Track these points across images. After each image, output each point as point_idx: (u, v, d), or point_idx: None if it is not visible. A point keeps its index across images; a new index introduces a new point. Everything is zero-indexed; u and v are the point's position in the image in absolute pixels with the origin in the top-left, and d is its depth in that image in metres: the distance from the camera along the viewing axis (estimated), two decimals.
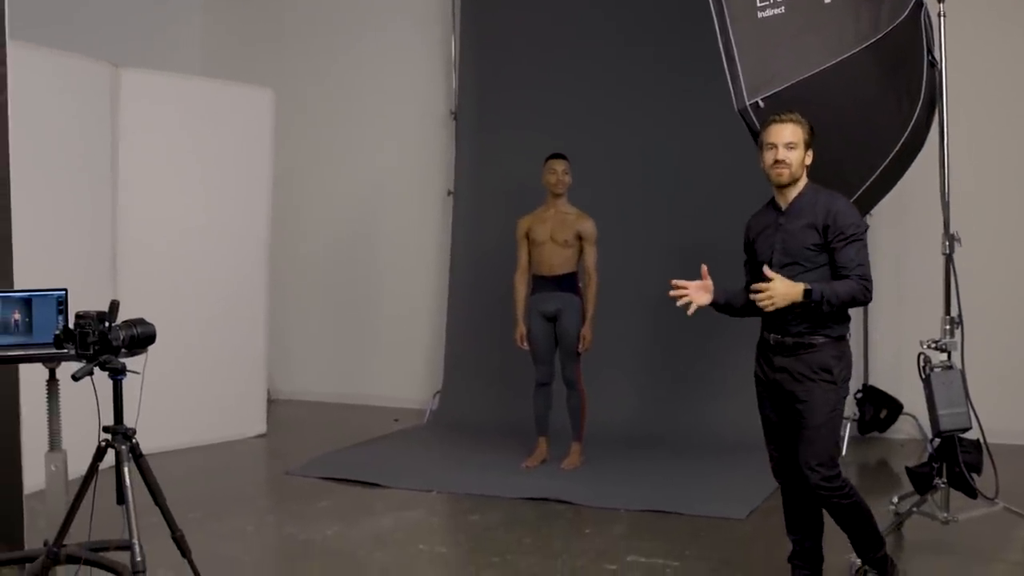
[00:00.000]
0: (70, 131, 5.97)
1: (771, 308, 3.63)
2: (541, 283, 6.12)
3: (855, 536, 3.83)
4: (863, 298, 3.68)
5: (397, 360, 8.28)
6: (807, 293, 3.61)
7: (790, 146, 3.73)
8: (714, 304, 3.90)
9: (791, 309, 3.67)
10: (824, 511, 3.87)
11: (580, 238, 6.06)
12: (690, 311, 3.83)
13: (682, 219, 7.09)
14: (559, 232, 6.06)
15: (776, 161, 3.75)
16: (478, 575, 4.39)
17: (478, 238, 7.66)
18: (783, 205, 3.81)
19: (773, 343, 3.80)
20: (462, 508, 5.47)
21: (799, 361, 3.73)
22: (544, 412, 6.21)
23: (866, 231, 3.76)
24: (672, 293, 3.84)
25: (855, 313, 6.55)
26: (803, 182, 3.80)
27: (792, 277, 3.71)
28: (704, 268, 3.88)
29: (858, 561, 3.99)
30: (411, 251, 8.28)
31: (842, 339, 3.78)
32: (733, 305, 3.93)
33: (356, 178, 8.43)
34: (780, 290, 3.62)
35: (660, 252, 7.06)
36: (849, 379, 3.82)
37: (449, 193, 7.96)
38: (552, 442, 6.24)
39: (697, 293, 3.85)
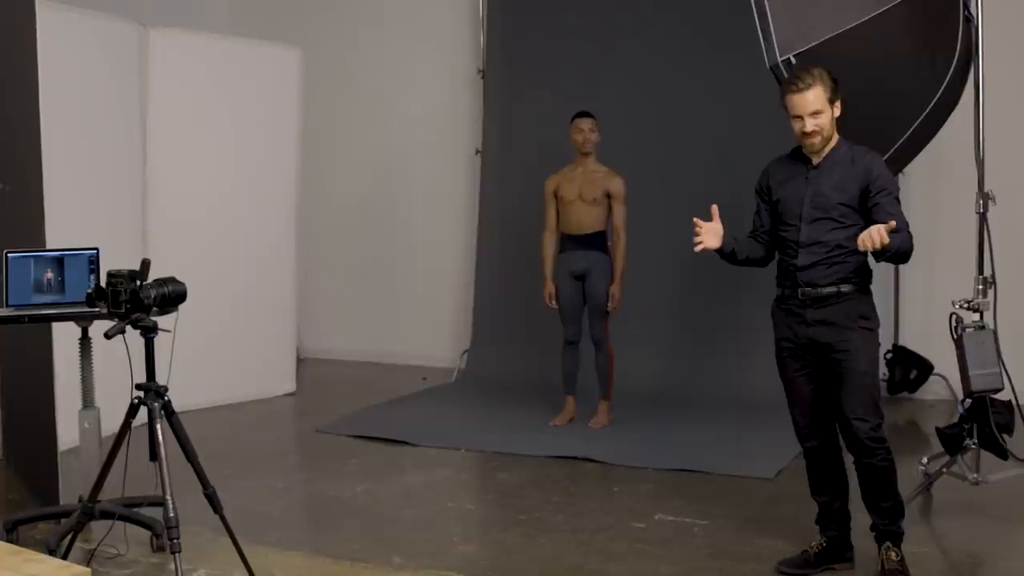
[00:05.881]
0: (99, 91, 5.98)
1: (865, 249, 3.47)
2: (569, 242, 6.10)
3: (883, 500, 3.78)
4: (909, 254, 3.59)
5: (425, 319, 8.30)
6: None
7: (816, 114, 3.64)
8: (719, 251, 3.84)
9: (821, 261, 3.65)
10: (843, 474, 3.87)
11: (609, 196, 6.03)
12: (696, 249, 3.79)
13: (710, 179, 7.02)
14: (587, 190, 6.03)
15: (804, 133, 3.67)
16: (506, 532, 4.42)
17: (506, 197, 7.64)
18: (815, 160, 3.75)
19: (803, 297, 3.74)
20: (490, 466, 5.50)
21: (835, 310, 3.69)
22: (572, 371, 6.22)
23: (898, 188, 3.70)
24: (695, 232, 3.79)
25: (887, 273, 6.51)
26: (835, 138, 3.74)
27: (823, 232, 3.67)
28: (714, 208, 3.82)
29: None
30: (439, 210, 8.27)
31: (869, 290, 3.76)
32: (736, 255, 3.88)
33: (384, 137, 8.41)
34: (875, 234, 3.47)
35: (687, 211, 6.97)
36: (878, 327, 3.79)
37: (477, 152, 7.93)
38: (580, 401, 6.25)
39: (707, 235, 3.79)
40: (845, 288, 3.69)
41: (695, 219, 3.82)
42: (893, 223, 3.44)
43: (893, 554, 3.78)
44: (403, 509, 4.75)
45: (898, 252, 3.53)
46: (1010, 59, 6.19)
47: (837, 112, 3.70)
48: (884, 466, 3.71)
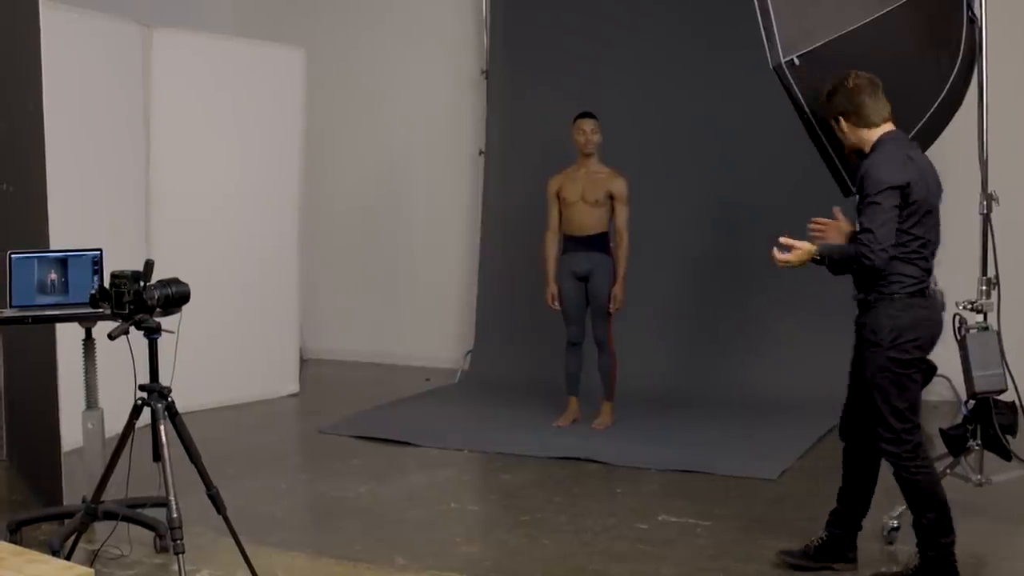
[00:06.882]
0: (102, 92, 5.98)
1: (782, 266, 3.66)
2: (572, 243, 6.10)
3: (915, 519, 3.73)
4: (861, 264, 3.57)
5: (429, 319, 8.30)
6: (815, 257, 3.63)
7: None
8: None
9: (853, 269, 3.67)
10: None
11: (611, 197, 6.02)
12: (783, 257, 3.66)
13: (713, 179, 7.03)
14: (590, 191, 6.02)
15: None
16: (509, 533, 4.42)
17: (509, 198, 7.64)
18: None
19: (855, 300, 3.80)
20: (493, 467, 5.50)
21: (866, 318, 3.73)
22: (575, 372, 6.22)
23: (881, 191, 3.56)
24: (811, 228, 3.80)
25: None
26: (871, 138, 3.75)
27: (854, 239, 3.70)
28: (836, 210, 3.83)
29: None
30: (442, 211, 8.27)
31: (898, 297, 3.66)
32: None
33: (387, 137, 8.41)
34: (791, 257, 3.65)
35: (690, 212, 7.01)
36: (906, 341, 3.67)
37: (480, 153, 7.93)
38: (583, 402, 6.25)
39: (833, 233, 3.80)
40: (871, 296, 3.70)
41: (815, 218, 3.83)
42: (786, 255, 3.58)
43: (913, 562, 3.77)
44: (406, 510, 4.75)
45: (842, 261, 3.60)
46: (1013, 59, 6.18)
47: (844, 127, 3.75)
48: (904, 478, 3.69)
